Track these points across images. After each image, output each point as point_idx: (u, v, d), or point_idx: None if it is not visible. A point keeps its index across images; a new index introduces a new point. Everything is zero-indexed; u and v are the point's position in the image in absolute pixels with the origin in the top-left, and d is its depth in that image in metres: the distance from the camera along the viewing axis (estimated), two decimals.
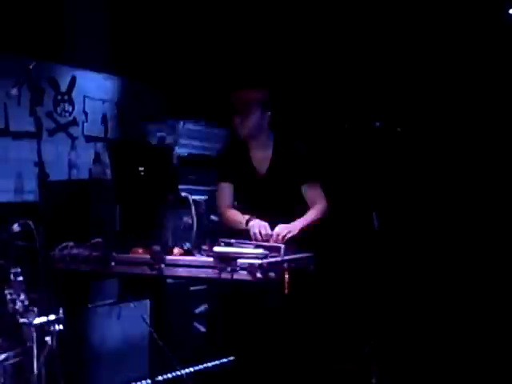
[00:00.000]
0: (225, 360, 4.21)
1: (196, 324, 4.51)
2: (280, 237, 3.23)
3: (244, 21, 4.76)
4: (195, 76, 4.85)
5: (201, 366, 4.27)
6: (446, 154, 4.27)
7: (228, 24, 4.79)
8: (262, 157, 3.49)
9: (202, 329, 4.50)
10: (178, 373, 3.93)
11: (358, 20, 4.53)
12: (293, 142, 3.52)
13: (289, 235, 3.25)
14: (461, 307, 4.08)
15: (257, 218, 3.32)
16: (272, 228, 3.26)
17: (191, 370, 4.14)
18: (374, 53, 4.47)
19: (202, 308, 4.54)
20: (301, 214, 3.40)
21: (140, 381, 3.89)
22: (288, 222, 3.32)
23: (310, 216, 3.43)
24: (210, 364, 4.32)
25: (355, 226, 4.15)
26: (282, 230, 3.25)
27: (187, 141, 4.41)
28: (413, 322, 4.13)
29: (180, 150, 4.34)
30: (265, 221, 3.29)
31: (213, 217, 3.71)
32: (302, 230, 3.32)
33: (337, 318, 4.12)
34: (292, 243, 3.26)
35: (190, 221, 3.35)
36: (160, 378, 3.95)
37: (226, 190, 3.51)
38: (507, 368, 3.35)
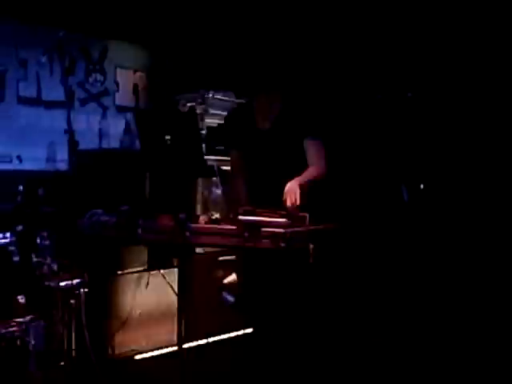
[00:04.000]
0: (249, 330, 4.24)
1: (224, 294, 4.54)
2: (293, 204, 3.20)
3: None
4: (224, 49, 4.82)
5: (227, 335, 4.31)
6: (481, 130, 4.16)
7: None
8: (267, 116, 3.45)
9: (231, 298, 4.53)
10: (205, 341, 3.99)
11: None
12: (300, 99, 3.46)
13: (298, 200, 3.22)
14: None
15: (259, 177, 3.31)
16: (276, 187, 3.23)
17: (217, 338, 4.18)
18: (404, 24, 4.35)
19: (230, 278, 4.56)
20: None
21: (167, 347, 3.95)
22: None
23: (306, 175, 3.37)
24: (236, 333, 4.35)
25: (385, 198, 4.09)
26: (288, 199, 3.22)
27: (217, 111, 4.40)
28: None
29: (209, 121, 4.34)
30: (268, 180, 3.27)
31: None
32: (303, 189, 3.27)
33: (361, 292, 4.09)
34: (318, 213, 3.24)
35: (217, 190, 3.37)
36: (186, 345, 4.00)
37: (233, 158, 3.50)
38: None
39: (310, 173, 3.40)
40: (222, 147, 4.17)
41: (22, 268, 2.73)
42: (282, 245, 2.95)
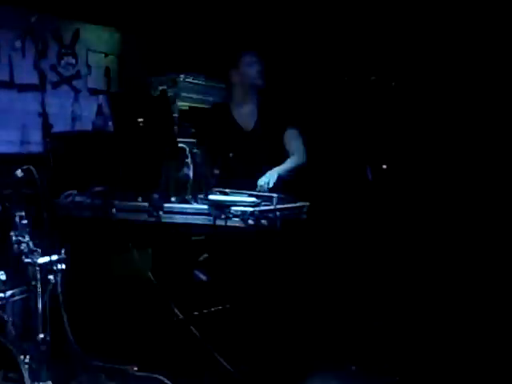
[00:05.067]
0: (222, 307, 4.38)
1: (197, 272, 4.67)
2: (265, 186, 3.39)
3: None
4: (196, 31, 4.89)
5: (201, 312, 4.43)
6: (443, 109, 4.32)
7: None
8: (247, 113, 3.62)
9: (203, 277, 4.67)
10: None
11: None
12: (277, 94, 3.64)
13: (271, 184, 3.41)
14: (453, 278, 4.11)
15: (244, 173, 3.50)
16: (253, 178, 3.42)
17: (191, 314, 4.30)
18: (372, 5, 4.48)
19: (202, 257, 4.69)
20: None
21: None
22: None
23: (287, 164, 3.56)
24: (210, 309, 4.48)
25: (350, 178, 4.25)
26: (263, 180, 3.41)
27: (188, 94, 4.49)
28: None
29: (180, 103, 4.43)
30: (252, 175, 3.46)
31: (216, 171, 3.84)
32: (282, 178, 3.46)
33: (330, 270, 4.26)
34: (286, 193, 3.40)
35: (189, 171, 3.49)
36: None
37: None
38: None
39: (290, 162, 3.58)
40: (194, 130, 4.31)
41: (2, 246, 2.83)
42: (251, 223, 3.11)
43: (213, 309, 4.31)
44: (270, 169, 3.54)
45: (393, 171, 4.07)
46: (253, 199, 3.17)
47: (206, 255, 4.68)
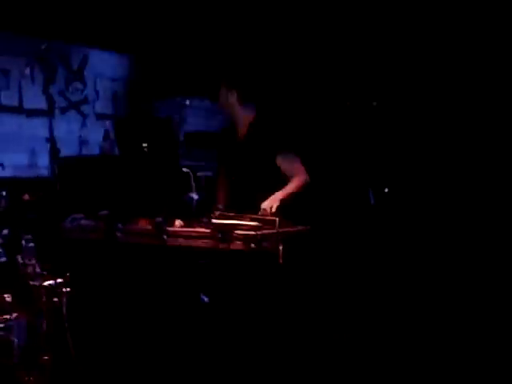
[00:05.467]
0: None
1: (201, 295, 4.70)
2: (268, 210, 3.43)
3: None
4: (201, 56, 5.00)
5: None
6: (444, 133, 4.38)
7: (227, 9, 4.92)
8: (243, 128, 3.67)
9: (206, 299, 4.70)
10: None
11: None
12: (270, 114, 3.69)
13: (274, 208, 3.45)
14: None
15: (246, 196, 3.55)
16: (254, 200, 3.47)
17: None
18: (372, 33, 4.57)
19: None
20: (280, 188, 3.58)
21: None
22: (267, 195, 3.51)
23: (290, 187, 3.60)
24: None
25: (352, 201, 4.30)
26: (266, 204, 3.46)
27: (193, 118, 4.58)
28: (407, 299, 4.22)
29: (186, 128, 4.52)
30: (245, 193, 3.51)
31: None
32: (285, 201, 3.50)
33: (331, 292, 4.29)
34: (288, 217, 3.45)
35: (192, 195, 3.55)
36: None
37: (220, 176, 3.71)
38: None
39: (292, 185, 3.62)
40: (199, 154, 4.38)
41: (9, 268, 2.89)
42: (253, 246, 3.15)
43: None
44: (273, 192, 3.58)
45: (395, 194, 4.12)
46: (255, 223, 3.21)
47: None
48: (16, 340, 2.86)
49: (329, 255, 4.16)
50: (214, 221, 3.33)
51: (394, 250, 4.21)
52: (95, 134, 4.70)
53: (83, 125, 4.71)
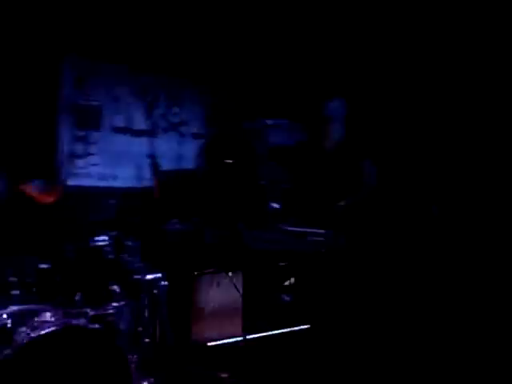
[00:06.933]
0: (305, 326, 4.75)
1: (283, 295, 5.11)
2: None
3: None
4: (280, 82, 5.45)
5: (286, 330, 4.84)
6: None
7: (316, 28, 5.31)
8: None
9: (287, 298, 5.10)
10: (266, 333, 4.55)
11: None
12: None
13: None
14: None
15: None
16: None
17: (278, 332, 4.72)
18: None
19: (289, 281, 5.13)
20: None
21: (233, 337, 4.53)
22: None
23: (361, 193, 3.95)
24: (294, 328, 4.87)
25: (416, 213, 4.52)
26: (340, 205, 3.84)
27: (275, 137, 5.05)
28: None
29: (268, 144, 4.99)
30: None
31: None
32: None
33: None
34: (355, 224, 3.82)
35: (273, 204, 4.04)
36: (251, 336, 4.58)
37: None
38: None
39: (363, 191, 4.02)
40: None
41: (116, 264, 3.47)
42: (323, 250, 3.58)
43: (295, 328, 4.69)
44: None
45: (459, 208, 4.28)
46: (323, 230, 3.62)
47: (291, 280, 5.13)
48: (123, 325, 3.33)
49: (394, 266, 4.35)
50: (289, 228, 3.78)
51: (455, 260, 4.32)
52: (191, 151, 5.32)
53: (181, 143, 5.35)
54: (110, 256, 3.37)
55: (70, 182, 4.63)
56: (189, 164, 5.18)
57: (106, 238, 3.37)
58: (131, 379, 3.11)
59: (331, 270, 3.80)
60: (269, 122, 4.82)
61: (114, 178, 4.89)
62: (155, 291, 3.48)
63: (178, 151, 5.30)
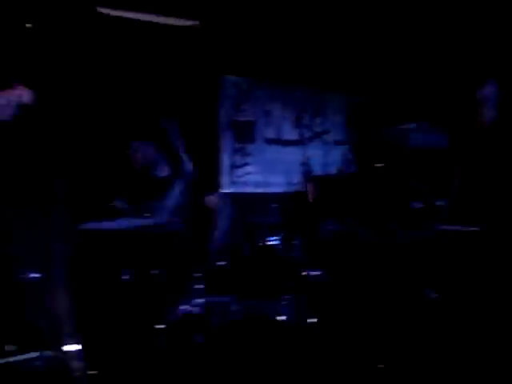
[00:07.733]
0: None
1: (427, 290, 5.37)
2: None
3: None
4: (422, 88, 5.74)
5: None
6: None
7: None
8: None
9: (432, 294, 5.35)
10: None
11: None
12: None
13: None
14: None
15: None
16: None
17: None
18: None
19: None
20: None
21: None
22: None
23: None
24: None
25: None
26: None
27: (416, 141, 5.35)
28: None
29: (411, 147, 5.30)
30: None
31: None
32: None
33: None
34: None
35: (415, 204, 4.36)
36: None
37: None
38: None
39: None
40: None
41: (287, 262, 3.96)
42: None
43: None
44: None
45: None
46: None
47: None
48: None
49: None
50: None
51: None
52: (334, 157, 5.78)
53: (325, 150, 5.82)
54: (281, 254, 3.86)
55: (230, 190, 5.25)
56: (333, 169, 5.64)
57: (277, 237, 3.87)
58: None
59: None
60: (410, 125, 5.12)
61: (268, 184, 5.45)
62: (318, 286, 3.91)
63: (323, 158, 5.78)
